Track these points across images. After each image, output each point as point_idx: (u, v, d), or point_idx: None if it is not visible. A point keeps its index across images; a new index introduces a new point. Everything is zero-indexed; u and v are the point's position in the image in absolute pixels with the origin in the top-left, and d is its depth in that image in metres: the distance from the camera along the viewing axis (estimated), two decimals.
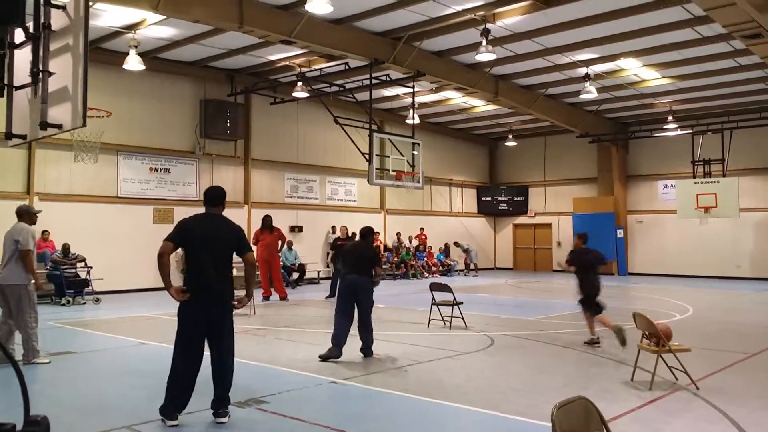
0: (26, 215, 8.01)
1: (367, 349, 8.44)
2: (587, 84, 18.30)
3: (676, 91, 21.02)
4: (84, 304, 14.46)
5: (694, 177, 21.97)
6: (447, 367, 7.95)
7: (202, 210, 5.90)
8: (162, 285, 5.47)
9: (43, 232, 15.35)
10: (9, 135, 4.31)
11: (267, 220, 16.00)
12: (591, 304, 9.60)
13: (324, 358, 8.08)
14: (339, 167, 22.81)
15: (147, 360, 8.39)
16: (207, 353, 5.65)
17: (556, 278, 24.77)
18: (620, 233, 25.90)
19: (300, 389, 6.70)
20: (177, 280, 5.67)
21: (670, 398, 6.41)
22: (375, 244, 17.67)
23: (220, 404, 5.55)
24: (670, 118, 23.05)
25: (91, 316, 12.68)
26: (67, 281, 14.50)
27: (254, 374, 7.45)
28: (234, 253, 5.72)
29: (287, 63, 18.13)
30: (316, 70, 18.06)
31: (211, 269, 5.48)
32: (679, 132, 23.28)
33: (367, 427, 5.44)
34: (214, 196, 5.78)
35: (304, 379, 7.12)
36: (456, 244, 26.47)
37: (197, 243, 5.50)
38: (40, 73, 4.04)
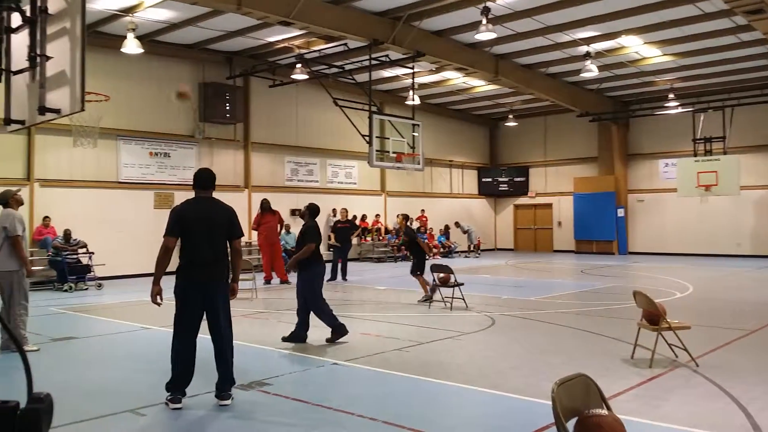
0: (11, 200, 7.95)
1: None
2: (588, 62, 18.21)
3: (678, 68, 20.91)
4: (86, 289, 14.53)
5: (695, 155, 21.94)
6: (448, 347, 8.00)
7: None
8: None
9: (44, 218, 15.40)
10: (7, 120, 4.30)
11: (266, 203, 16.04)
12: (420, 269, 12.21)
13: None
14: (339, 150, 22.77)
15: (149, 344, 8.45)
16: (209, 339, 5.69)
17: (556, 258, 24.84)
18: (621, 212, 25.91)
19: (302, 371, 6.75)
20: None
21: (670, 375, 6.45)
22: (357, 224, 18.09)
23: (224, 386, 5.61)
24: (671, 96, 22.97)
25: (93, 302, 12.75)
26: (68, 267, 14.56)
27: (257, 357, 7.50)
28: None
29: (286, 45, 18.03)
30: (315, 51, 17.96)
31: (206, 248, 5.56)
32: (680, 110, 23.21)
33: (369, 407, 5.49)
34: (205, 179, 5.80)
35: (307, 361, 7.18)
36: (456, 224, 26.49)
37: (192, 225, 5.56)
38: (38, 58, 4.02)
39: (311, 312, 8.20)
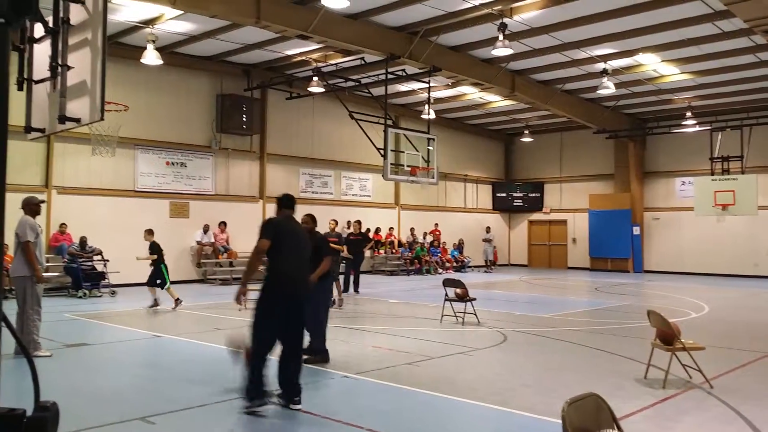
0: (26, 207, 8.05)
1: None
2: (605, 79, 18.16)
3: (695, 86, 20.80)
4: (100, 296, 14.63)
5: (712, 174, 21.72)
6: (459, 362, 7.96)
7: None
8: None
9: (61, 225, 15.56)
10: (28, 129, 4.36)
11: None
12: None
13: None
14: (354, 162, 22.85)
15: (161, 352, 8.48)
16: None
17: (570, 275, 24.67)
18: (636, 230, 25.72)
19: (312, 383, 6.74)
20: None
21: (684, 397, 6.37)
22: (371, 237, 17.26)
23: (296, 389, 5.80)
24: (689, 114, 22.83)
25: (106, 309, 12.83)
26: (83, 274, 14.67)
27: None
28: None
29: (303, 58, 18.16)
30: (332, 65, 18.09)
31: (294, 260, 5.93)
32: (697, 128, 23.06)
33: (378, 421, 5.47)
34: (293, 200, 6.33)
35: (317, 373, 7.16)
36: (488, 230, 26.51)
37: (285, 238, 5.91)
38: (59, 67, 4.08)
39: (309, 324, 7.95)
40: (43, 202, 8.49)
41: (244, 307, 5.78)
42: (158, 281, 12.49)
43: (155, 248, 12.85)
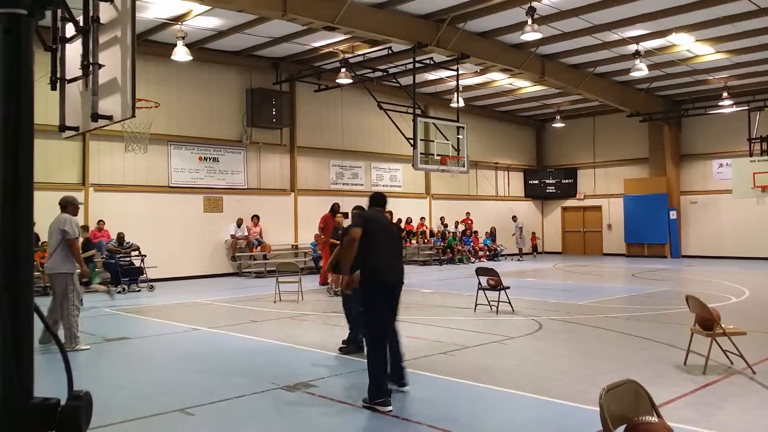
0: (70, 206, 8.22)
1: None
2: (637, 61, 17.81)
3: (731, 66, 20.27)
4: (139, 291, 14.89)
5: (751, 155, 21.21)
6: (494, 351, 7.91)
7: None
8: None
9: (99, 221, 15.86)
10: (62, 127, 4.44)
11: (336, 207, 16.07)
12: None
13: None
14: (384, 153, 22.83)
15: (199, 345, 8.61)
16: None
17: (606, 262, 24.36)
18: (673, 215, 25.24)
19: (347, 373, 6.77)
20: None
21: (725, 383, 6.24)
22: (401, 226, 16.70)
23: (403, 373, 6.05)
24: (725, 94, 22.28)
25: (145, 303, 13.07)
26: (122, 269, 14.95)
27: (303, 359, 7.56)
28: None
29: (330, 49, 18.17)
30: (359, 55, 18.06)
31: (390, 249, 6.07)
32: (734, 109, 22.49)
33: (414, 410, 5.47)
34: (384, 198, 6.41)
35: (352, 364, 7.19)
36: (514, 218, 26.35)
37: (377, 228, 6.04)
38: (90, 66, 4.14)
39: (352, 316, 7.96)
40: (81, 203, 8.68)
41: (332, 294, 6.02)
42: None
43: (89, 245, 13.23)
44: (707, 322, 6.73)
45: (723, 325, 6.66)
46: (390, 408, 5.48)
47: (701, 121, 24.79)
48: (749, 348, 6.95)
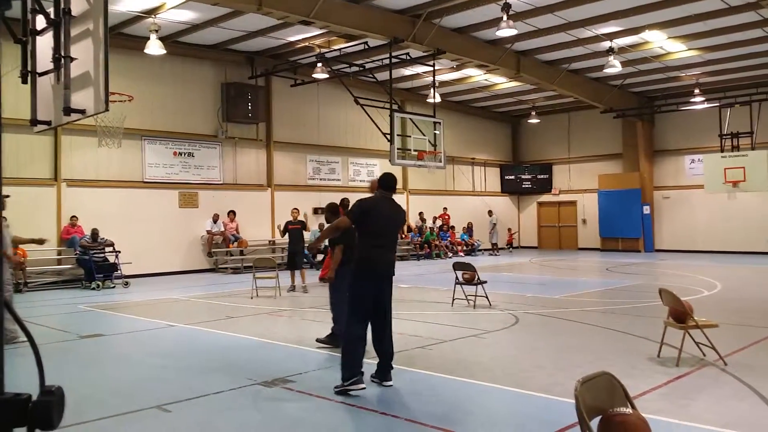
0: None
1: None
2: (611, 58, 17.99)
3: (703, 63, 20.58)
4: (113, 287, 14.71)
5: (722, 151, 21.57)
6: (472, 345, 7.96)
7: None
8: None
9: (72, 217, 15.64)
10: (34, 121, 4.37)
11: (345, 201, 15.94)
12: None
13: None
14: (361, 148, 22.80)
15: (175, 342, 8.53)
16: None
17: (581, 256, 24.62)
18: (646, 209, 25.60)
19: (326, 369, 6.76)
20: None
21: (698, 374, 6.35)
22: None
23: (389, 368, 6.03)
24: (697, 91, 22.64)
25: (120, 300, 12.90)
26: (96, 266, 14.76)
27: (281, 354, 7.54)
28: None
29: (306, 44, 18.09)
30: (335, 50, 17.99)
31: (384, 240, 6.04)
32: (706, 105, 22.85)
33: (392, 405, 5.48)
34: (393, 180, 6.24)
35: (331, 359, 7.18)
36: (490, 213, 26.52)
37: (379, 221, 5.94)
38: (62, 59, 4.08)
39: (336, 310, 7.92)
40: (7, 196, 8.32)
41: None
42: None
43: None
44: (680, 315, 6.84)
45: (696, 318, 6.77)
46: (363, 386, 5.67)
47: (674, 117, 25.15)
48: (721, 340, 7.07)
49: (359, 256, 5.95)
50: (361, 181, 22.97)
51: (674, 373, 6.34)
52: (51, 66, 4.14)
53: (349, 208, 5.98)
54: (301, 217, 14.93)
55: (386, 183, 6.17)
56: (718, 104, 22.14)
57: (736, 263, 19.79)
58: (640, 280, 15.69)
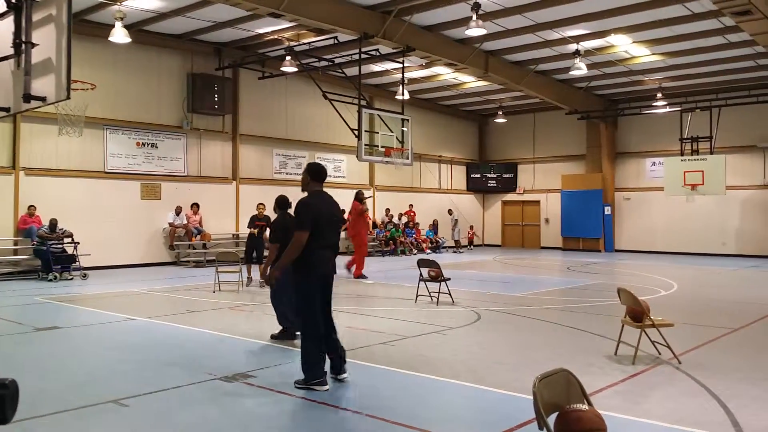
0: None
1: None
2: (577, 60, 18.26)
3: (666, 68, 21.04)
4: (71, 279, 14.42)
5: (682, 154, 22.08)
6: (433, 342, 8.02)
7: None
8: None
9: (30, 207, 15.27)
10: None
11: (360, 194, 16.31)
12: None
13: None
14: (328, 143, 22.73)
15: (134, 335, 8.41)
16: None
17: (543, 255, 24.96)
18: (608, 210, 26.08)
19: (288, 363, 6.74)
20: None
21: (653, 372, 6.51)
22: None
23: (343, 362, 6.05)
24: (659, 95, 23.12)
25: (78, 292, 12.66)
26: (53, 257, 14.44)
27: (241, 349, 7.50)
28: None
29: (276, 37, 17.95)
30: (305, 44, 17.89)
31: (329, 239, 6.01)
32: (667, 109, 23.38)
33: (353, 401, 5.50)
34: (324, 172, 6.20)
35: (291, 354, 7.16)
36: (450, 212, 26.73)
37: (321, 220, 5.87)
38: (23, 45, 3.99)
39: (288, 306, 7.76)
40: None
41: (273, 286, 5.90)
42: None
43: None
44: (637, 314, 6.99)
45: (652, 317, 6.93)
46: (327, 387, 5.67)
47: (636, 120, 25.65)
48: (676, 339, 7.25)
49: (306, 257, 5.78)
50: (328, 176, 22.87)
51: (630, 371, 6.48)
52: (11, 51, 4.05)
53: (298, 217, 5.73)
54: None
55: (320, 175, 6.09)
56: (679, 109, 22.66)
57: (693, 264, 20.29)
58: (599, 279, 15.98)
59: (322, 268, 5.89)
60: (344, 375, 6.02)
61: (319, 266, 5.83)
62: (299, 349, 5.98)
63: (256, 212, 14.29)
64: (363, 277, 15.22)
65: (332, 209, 6.09)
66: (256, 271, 13.74)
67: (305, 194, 6.05)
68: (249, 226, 14.07)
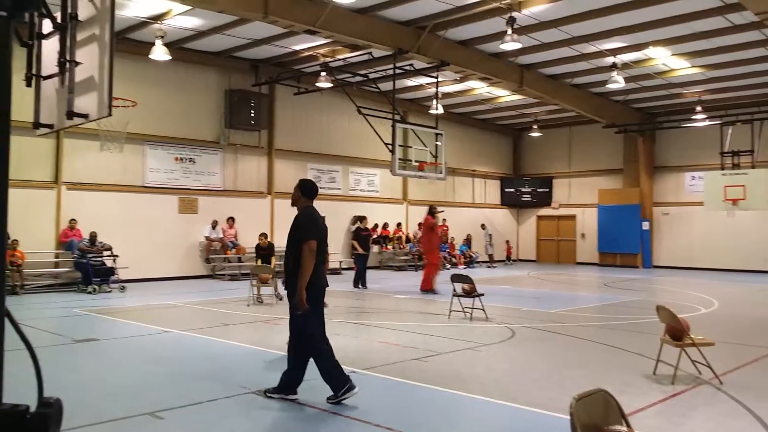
0: None
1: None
2: (614, 73, 18.06)
3: (706, 80, 20.65)
4: (110, 292, 14.68)
5: (723, 169, 21.59)
6: (467, 358, 7.95)
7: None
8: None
9: (71, 220, 15.63)
10: (37, 124, 4.38)
11: (433, 208, 16.52)
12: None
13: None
14: (362, 158, 22.83)
15: (170, 348, 8.51)
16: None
17: (579, 271, 24.60)
18: (646, 225, 25.61)
19: (319, 379, 6.74)
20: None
21: (693, 392, 6.34)
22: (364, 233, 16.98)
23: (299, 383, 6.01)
24: (699, 108, 22.69)
25: (116, 304, 12.89)
26: (93, 269, 14.73)
27: (275, 363, 7.52)
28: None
29: (311, 53, 18.15)
30: (339, 60, 18.06)
31: (324, 252, 6.05)
32: (707, 122, 22.90)
33: (385, 417, 5.47)
34: (317, 190, 6.28)
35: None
36: (483, 226, 26.57)
37: (322, 235, 5.98)
38: (67, 63, 4.09)
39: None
40: None
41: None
42: None
43: None
44: (677, 332, 6.83)
45: (692, 336, 6.77)
46: (356, 389, 5.70)
47: (675, 133, 25.20)
48: (717, 358, 7.06)
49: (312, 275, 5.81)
50: (361, 190, 23.00)
51: (670, 391, 6.33)
52: (56, 70, 4.15)
53: (306, 230, 5.75)
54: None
55: (313, 192, 6.14)
56: (719, 122, 22.19)
57: (733, 281, 19.77)
58: (637, 296, 15.67)
59: (321, 281, 5.95)
60: (295, 396, 5.87)
61: (317, 280, 5.85)
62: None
63: (259, 242, 15.43)
64: (432, 291, 15.10)
65: (323, 224, 6.15)
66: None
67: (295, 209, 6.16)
68: (257, 256, 15.24)
